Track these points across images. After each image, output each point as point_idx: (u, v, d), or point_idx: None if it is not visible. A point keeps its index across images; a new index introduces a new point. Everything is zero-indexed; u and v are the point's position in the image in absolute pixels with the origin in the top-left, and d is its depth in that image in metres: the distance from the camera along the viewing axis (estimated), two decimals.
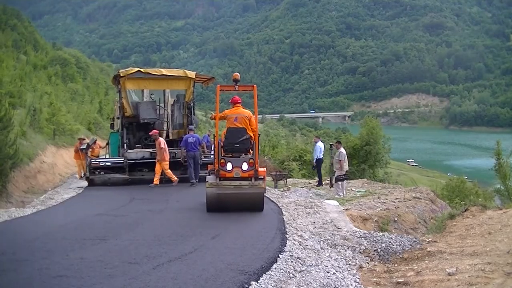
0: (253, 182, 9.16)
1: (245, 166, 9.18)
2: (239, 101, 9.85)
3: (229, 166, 9.17)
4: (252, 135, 9.45)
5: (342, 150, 14.32)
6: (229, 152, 9.37)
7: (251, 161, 9.22)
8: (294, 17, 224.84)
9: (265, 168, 10.12)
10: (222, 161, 9.22)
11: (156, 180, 13.58)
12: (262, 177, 9.41)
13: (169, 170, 13.74)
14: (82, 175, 15.98)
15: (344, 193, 13.82)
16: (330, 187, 15.30)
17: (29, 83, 28.09)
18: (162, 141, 13.66)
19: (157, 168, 13.63)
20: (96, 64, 71.95)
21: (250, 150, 9.45)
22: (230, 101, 9.98)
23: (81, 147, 16.20)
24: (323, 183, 16.61)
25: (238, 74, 9.72)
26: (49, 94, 27.63)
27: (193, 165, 13.63)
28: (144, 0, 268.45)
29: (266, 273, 5.52)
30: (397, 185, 18.83)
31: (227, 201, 9.14)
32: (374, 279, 5.81)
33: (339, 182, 13.86)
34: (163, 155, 13.54)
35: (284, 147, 32.89)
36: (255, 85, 9.65)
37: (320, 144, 16.45)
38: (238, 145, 9.31)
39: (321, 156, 16.42)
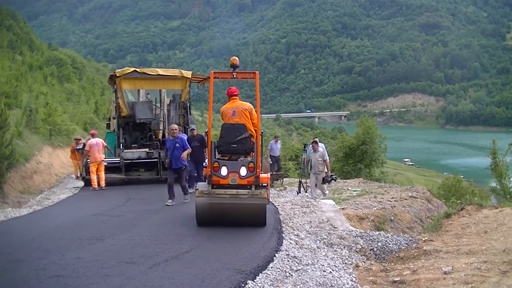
0: (253, 191, 7.55)
1: (243, 171, 7.55)
2: (236, 93, 8.03)
3: (224, 171, 7.57)
4: (253, 132, 7.79)
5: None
6: (224, 154, 7.80)
7: (251, 165, 7.56)
8: (290, 17, 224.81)
9: (268, 174, 8.26)
10: (216, 164, 7.58)
11: (95, 183, 13.37)
12: (265, 184, 7.73)
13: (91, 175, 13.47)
14: (78, 175, 15.99)
15: (327, 194, 12.97)
16: (298, 193, 14.02)
17: (25, 83, 28.07)
18: (90, 142, 13.63)
19: (93, 169, 13.47)
20: (92, 64, 71.67)
21: (251, 152, 7.76)
22: (226, 93, 8.12)
23: (77, 147, 16.26)
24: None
25: (237, 58, 7.95)
26: (45, 95, 27.66)
27: None
28: (140, 0, 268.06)
29: (263, 272, 5.51)
30: (393, 185, 18.88)
31: (221, 213, 7.64)
32: (371, 278, 5.82)
33: (325, 185, 12.96)
34: (94, 156, 13.41)
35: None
36: (257, 72, 7.87)
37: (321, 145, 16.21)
38: (235, 146, 7.66)
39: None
